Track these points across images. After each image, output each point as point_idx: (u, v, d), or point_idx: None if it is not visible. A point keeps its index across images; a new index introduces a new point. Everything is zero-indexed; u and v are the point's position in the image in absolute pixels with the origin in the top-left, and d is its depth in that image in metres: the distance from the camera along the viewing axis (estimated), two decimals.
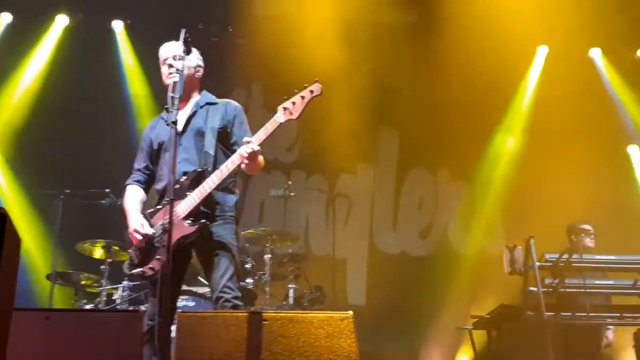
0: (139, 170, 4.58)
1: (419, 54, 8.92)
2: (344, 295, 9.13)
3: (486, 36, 8.40)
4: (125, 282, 6.73)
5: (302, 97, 4.15)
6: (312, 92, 4.17)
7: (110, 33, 8.99)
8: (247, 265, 6.83)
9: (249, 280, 6.78)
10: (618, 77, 9.43)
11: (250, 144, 4.10)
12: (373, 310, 8.91)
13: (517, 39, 8.82)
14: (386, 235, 9.56)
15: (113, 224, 7.40)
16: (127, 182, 4.56)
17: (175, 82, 4.08)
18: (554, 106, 9.27)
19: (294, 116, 4.14)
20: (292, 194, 7.52)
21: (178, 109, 3.95)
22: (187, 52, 4.05)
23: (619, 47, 9.36)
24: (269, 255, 7.00)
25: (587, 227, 7.37)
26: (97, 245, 6.89)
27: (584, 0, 8.27)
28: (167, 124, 4.18)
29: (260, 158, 4.29)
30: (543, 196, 9.13)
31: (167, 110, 3.89)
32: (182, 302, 6.23)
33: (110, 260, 6.83)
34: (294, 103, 4.15)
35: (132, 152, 7.57)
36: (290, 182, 7.74)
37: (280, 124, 4.16)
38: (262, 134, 4.17)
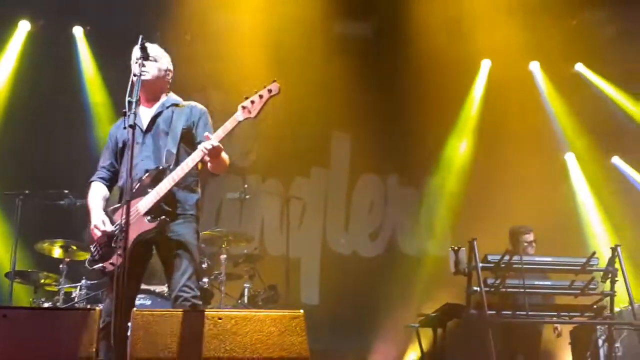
0: (103, 167, 4.51)
1: (372, 64, 9.03)
2: (298, 294, 9.12)
3: (435, 49, 8.54)
4: (83, 281, 6.67)
5: (261, 97, 4.15)
6: (270, 91, 4.17)
7: (71, 39, 8.86)
8: (204, 265, 6.80)
9: (205, 279, 6.75)
10: (554, 90, 9.64)
11: (211, 140, 4.08)
12: (326, 308, 8.94)
13: (463, 53, 9.00)
14: (338, 237, 9.62)
15: (72, 224, 7.38)
16: (92, 179, 4.50)
17: (147, 80, 4.15)
18: (500, 116, 9.47)
19: (252, 115, 4.14)
20: (247, 197, 7.53)
21: (135, 113, 3.87)
22: (145, 57, 4.04)
23: (558, 62, 9.56)
24: (225, 256, 7.00)
25: (527, 230, 7.51)
26: (56, 244, 6.82)
27: (525, 17, 8.47)
28: (124, 127, 4.16)
29: (225, 156, 4.26)
30: (488, 200, 9.29)
31: (124, 114, 3.84)
32: (139, 300, 6.16)
33: (69, 259, 6.76)
34: (252, 102, 4.14)
35: (91, 156, 7.54)
36: (246, 186, 7.74)
37: (240, 122, 4.15)
38: (222, 132, 4.15)
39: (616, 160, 9.86)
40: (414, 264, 9.34)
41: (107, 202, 4.41)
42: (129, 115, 3.82)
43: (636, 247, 7.26)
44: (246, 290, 7.21)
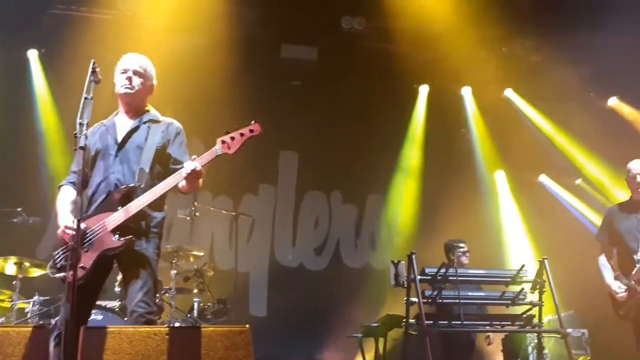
0: (74, 172, 4.25)
1: (317, 86, 9.06)
2: (247, 306, 9.05)
3: (376, 74, 8.62)
4: (36, 297, 6.47)
5: (242, 135, 4.03)
6: (252, 131, 4.07)
7: (26, 61, 8.64)
8: None
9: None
10: (485, 112, 9.81)
11: (195, 162, 3.93)
12: (273, 320, 8.88)
13: (402, 78, 9.12)
14: (286, 251, 9.56)
15: (25, 241, 7.17)
16: (62, 183, 4.31)
17: (130, 93, 4.11)
18: (438, 137, 9.63)
19: (231, 151, 4.00)
20: (197, 214, 7.44)
21: (120, 117, 3.92)
22: (96, 81, 3.83)
23: (489, 87, 9.75)
24: (175, 271, 6.88)
25: (462, 244, 7.60)
26: (9, 261, 6.59)
27: (459, 44, 8.63)
28: (108, 132, 4.18)
29: (200, 181, 4.11)
30: (427, 216, 9.42)
31: (75, 136, 3.63)
32: (92, 315, 6.01)
33: (22, 275, 6.57)
34: (232, 138, 4.01)
35: (42, 174, 7.31)
36: (196, 203, 7.63)
37: (217, 155, 4.01)
38: (200, 161, 3.97)
39: (543, 178, 10.08)
40: (357, 277, 9.37)
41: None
42: (78, 137, 3.66)
43: (561, 259, 7.38)
44: (196, 304, 7.10)
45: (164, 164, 4.19)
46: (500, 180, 10.03)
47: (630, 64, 8.40)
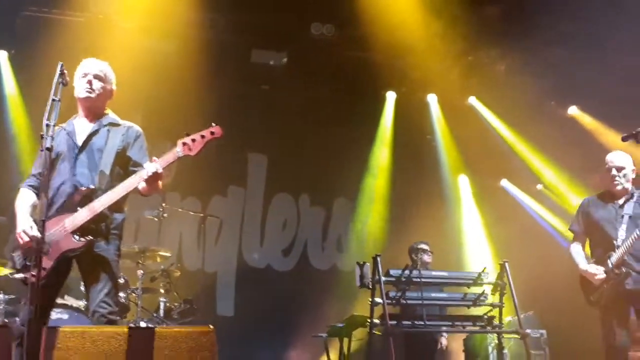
0: (34, 175, 4.26)
1: (286, 91, 9.03)
2: (214, 306, 8.97)
3: (344, 80, 8.62)
4: (0, 296, 6.30)
5: (203, 137, 4.01)
6: (212, 133, 4.05)
7: None
8: (121, 281, 6.57)
9: (122, 294, 6.49)
10: (450, 119, 9.87)
11: (155, 163, 3.90)
12: (240, 320, 8.81)
13: (370, 85, 9.14)
14: (254, 252, 9.49)
15: None
16: (22, 185, 4.27)
17: (90, 97, 4.09)
18: (405, 142, 9.67)
19: (192, 153, 3.97)
20: (165, 215, 7.34)
21: (81, 121, 3.92)
22: (64, 83, 3.82)
23: (454, 94, 9.78)
24: (141, 271, 6.77)
25: (424, 246, 7.63)
26: None
27: (426, 52, 8.68)
28: (68, 135, 4.15)
29: (160, 182, 4.09)
30: (391, 218, 9.46)
31: (41, 136, 3.64)
32: (57, 314, 5.89)
33: None
34: (193, 140, 3.98)
35: (11, 175, 7.14)
36: (164, 204, 7.54)
37: (179, 157, 3.98)
38: (160, 164, 3.94)
39: (505, 183, 10.18)
40: (323, 278, 9.36)
41: (35, 209, 4.15)
42: (45, 138, 3.65)
43: (521, 262, 7.44)
44: (162, 304, 7.00)
45: (124, 167, 4.17)
46: (463, 185, 10.09)
47: (589, 76, 8.53)
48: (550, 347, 7.20)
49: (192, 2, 7.86)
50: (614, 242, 4.92)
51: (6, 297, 6.27)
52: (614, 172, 5.11)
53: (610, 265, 4.87)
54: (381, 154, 9.78)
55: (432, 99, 9.87)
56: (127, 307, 6.61)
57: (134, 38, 8.28)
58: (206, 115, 7.72)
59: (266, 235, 9.59)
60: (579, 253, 5.22)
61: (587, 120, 9.08)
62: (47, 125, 3.69)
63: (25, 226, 3.97)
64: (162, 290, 7.08)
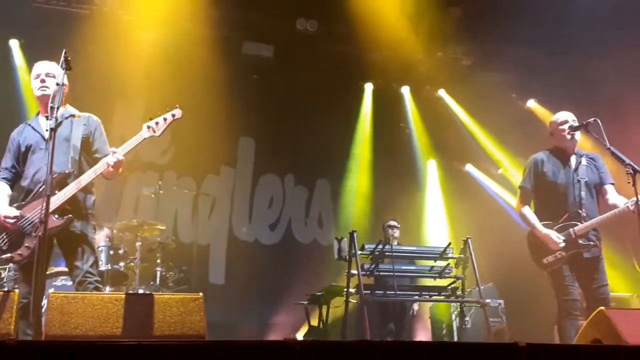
0: (6, 168, 4.30)
1: (273, 80, 8.94)
2: (206, 275, 8.90)
3: (326, 71, 8.54)
4: (12, 264, 6.24)
5: (165, 119, 4.12)
6: (174, 115, 4.15)
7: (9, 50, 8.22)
8: (120, 251, 6.55)
9: (121, 263, 6.49)
10: (422, 109, 9.84)
11: (117, 153, 4.00)
12: (231, 288, 8.77)
13: (350, 76, 9.08)
14: (243, 227, 9.43)
15: None
16: None
17: (47, 94, 4.09)
18: (380, 128, 9.65)
19: (157, 134, 4.10)
20: (161, 192, 7.28)
21: (41, 116, 4.01)
22: (67, 68, 3.83)
23: (425, 87, 9.80)
24: (140, 243, 6.72)
25: (394, 223, 7.64)
26: None
27: (399, 48, 8.65)
28: (34, 129, 4.21)
29: (120, 169, 4.15)
30: (367, 198, 9.46)
31: (47, 117, 3.70)
32: (62, 282, 5.87)
33: None
34: (157, 123, 4.10)
35: None
36: (160, 182, 7.48)
37: (145, 138, 4.10)
38: (128, 145, 4.08)
39: (469, 167, 10.21)
40: (305, 251, 9.34)
41: (10, 200, 4.21)
42: (50, 119, 3.67)
43: (482, 238, 7.48)
44: (158, 273, 6.97)
45: (88, 153, 4.23)
46: (432, 169, 10.12)
47: (547, 72, 8.55)
48: (507, 315, 7.26)
49: None
50: (579, 211, 4.71)
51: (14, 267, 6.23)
52: (564, 126, 4.84)
53: (572, 234, 4.68)
54: (359, 139, 9.73)
55: (405, 91, 9.83)
56: (126, 276, 6.58)
57: (136, 29, 8.18)
58: (202, 102, 7.77)
59: (254, 211, 9.54)
60: (533, 215, 4.91)
61: (543, 113, 9.11)
62: (52, 108, 3.71)
63: (7, 212, 4.03)
64: (158, 261, 7.04)
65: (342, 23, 8.34)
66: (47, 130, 4.05)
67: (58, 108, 3.69)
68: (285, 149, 9.21)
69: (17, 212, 4.00)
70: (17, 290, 3.79)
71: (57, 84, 3.82)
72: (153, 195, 7.26)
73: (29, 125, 4.28)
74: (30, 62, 8.12)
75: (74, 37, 7.47)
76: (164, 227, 7.11)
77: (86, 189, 4.12)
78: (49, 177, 3.63)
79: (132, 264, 6.64)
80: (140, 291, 6.44)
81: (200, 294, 3.25)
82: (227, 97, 8.29)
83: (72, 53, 3.86)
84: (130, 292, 6.37)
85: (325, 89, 8.69)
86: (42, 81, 4.16)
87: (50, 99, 3.87)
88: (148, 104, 8.40)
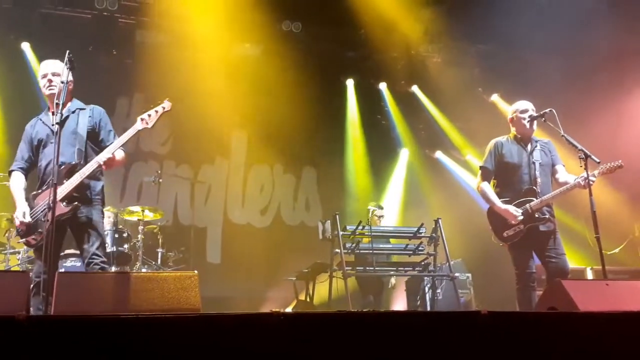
0: (22, 159, 4.25)
1: (262, 77, 8.86)
2: (204, 255, 8.87)
3: (310, 69, 8.49)
4: (25, 247, 6.20)
5: (156, 112, 4.09)
6: (164, 107, 4.11)
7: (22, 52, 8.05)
8: (124, 234, 6.50)
9: (125, 245, 6.44)
10: (397, 104, 9.85)
11: (102, 155, 3.99)
12: (226, 266, 8.75)
13: (332, 73, 9.05)
14: (236, 211, 9.40)
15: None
16: (12, 168, 4.25)
17: (54, 93, 4.03)
18: (362, 121, 9.66)
19: (149, 125, 4.07)
20: (160, 180, 7.23)
21: (51, 112, 3.97)
22: (72, 68, 3.86)
23: (400, 83, 9.75)
24: (142, 227, 6.69)
25: (376, 206, 7.63)
26: (2, 219, 6.34)
27: (376, 47, 8.63)
28: (45, 124, 4.16)
29: (119, 158, 4.14)
30: (349, 184, 9.48)
31: (52, 113, 3.70)
32: (71, 262, 5.83)
33: (13, 229, 6.27)
34: (149, 115, 4.08)
35: None
36: (158, 171, 7.43)
37: (139, 130, 4.07)
38: (125, 137, 4.07)
39: (439, 154, 10.26)
40: (293, 233, 9.31)
41: (26, 190, 4.20)
42: (56, 115, 3.72)
43: (452, 218, 7.53)
44: (159, 253, 6.94)
45: (95, 142, 4.20)
46: (405, 156, 10.14)
47: (509, 69, 8.57)
48: (474, 288, 7.32)
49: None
50: (534, 188, 4.70)
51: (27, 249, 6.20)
52: (524, 114, 4.82)
53: (529, 208, 4.66)
54: (341, 130, 9.71)
55: (382, 86, 9.81)
56: (130, 257, 6.54)
57: (136, 31, 8.12)
58: (198, 97, 7.70)
59: (246, 198, 9.50)
60: (492, 192, 4.86)
61: (505, 106, 9.14)
62: (57, 104, 3.76)
63: (19, 214, 4.04)
64: (159, 242, 7.01)
65: (323, 24, 8.32)
66: (53, 125, 4.05)
67: (64, 104, 3.70)
68: (275, 140, 9.14)
69: (28, 219, 4.01)
70: (29, 271, 3.80)
71: (62, 82, 3.80)
72: (154, 183, 7.20)
73: (40, 119, 4.24)
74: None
75: (80, 38, 7.42)
76: (166, 212, 7.07)
77: (93, 177, 4.08)
78: (55, 167, 3.68)
79: (135, 245, 6.60)
80: (143, 270, 6.40)
81: (195, 271, 3.24)
82: (220, 94, 8.23)
83: (73, 54, 3.85)
84: (133, 271, 6.34)
85: (311, 84, 8.60)
86: (50, 81, 4.11)
87: (56, 96, 3.86)
88: (147, 99, 8.32)
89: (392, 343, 2.51)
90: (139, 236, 6.60)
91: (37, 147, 4.19)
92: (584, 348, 2.70)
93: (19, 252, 6.29)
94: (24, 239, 4.05)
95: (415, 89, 9.78)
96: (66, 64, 3.82)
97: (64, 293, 3.24)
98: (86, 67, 4.49)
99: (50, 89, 4.09)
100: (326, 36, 8.53)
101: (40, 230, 3.87)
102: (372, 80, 9.69)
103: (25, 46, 8.08)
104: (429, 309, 6.59)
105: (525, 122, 4.84)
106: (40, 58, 7.97)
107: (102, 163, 3.94)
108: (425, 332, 2.57)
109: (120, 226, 6.53)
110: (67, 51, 3.81)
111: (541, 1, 7.54)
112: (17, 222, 4.04)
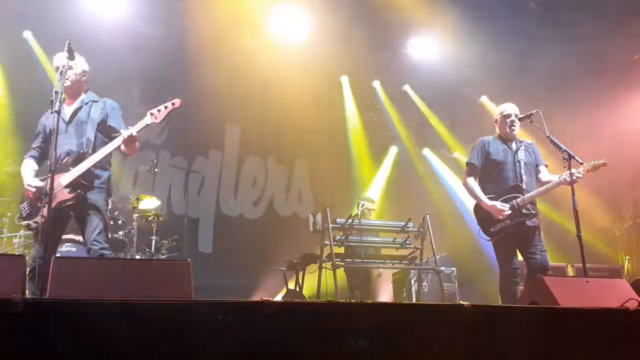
0: (34, 148, 4.34)
1: (255, 73, 8.83)
2: (196, 245, 8.86)
3: (300, 64, 8.46)
4: (22, 231, 6.22)
5: (166, 107, 4.13)
6: (173, 104, 4.16)
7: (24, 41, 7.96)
8: (119, 222, 6.47)
9: (120, 232, 6.42)
10: (389, 101, 9.84)
11: (131, 129, 4.04)
12: (218, 256, 8.73)
13: (324, 69, 9.01)
14: (229, 202, 9.39)
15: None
16: (25, 156, 4.33)
17: (68, 85, 4.05)
18: (354, 118, 9.63)
19: (158, 120, 4.12)
20: (156, 170, 7.20)
21: (65, 104, 4.03)
22: (71, 58, 3.93)
23: (391, 82, 9.80)
24: (137, 214, 6.66)
25: (367, 200, 7.64)
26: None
27: (367, 46, 8.63)
28: (52, 112, 4.05)
29: (137, 144, 4.19)
30: (340, 177, 9.48)
31: (51, 102, 3.74)
32: (67, 247, 5.81)
33: (10, 214, 6.39)
34: (159, 110, 4.11)
35: None
36: (154, 161, 7.40)
37: (147, 124, 4.12)
38: (135, 129, 4.08)
39: (426, 151, 10.29)
40: (285, 224, 9.32)
41: (37, 174, 4.24)
42: (55, 103, 3.73)
43: (438, 214, 7.56)
44: (153, 241, 6.91)
45: (106, 134, 4.23)
46: (394, 153, 10.16)
47: (498, 72, 8.59)
48: (458, 281, 7.35)
49: None
50: (520, 185, 4.72)
51: (26, 232, 6.18)
52: (512, 117, 4.88)
53: (515, 204, 4.68)
54: (334, 124, 9.69)
55: (376, 85, 9.81)
56: (125, 243, 6.51)
57: (132, 24, 7.98)
58: (193, 91, 7.66)
59: (239, 189, 9.48)
60: (478, 187, 4.89)
61: (492, 107, 9.18)
62: (56, 92, 3.79)
63: (31, 181, 4.10)
64: (153, 230, 6.98)
65: None
66: (69, 116, 4.18)
67: (61, 93, 3.71)
68: (267, 133, 9.12)
69: (39, 183, 4.05)
70: (26, 256, 3.78)
71: (61, 71, 3.86)
72: (149, 172, 7.17)
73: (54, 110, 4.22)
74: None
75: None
76: (159, 202, 7.05)
77: (101, 166, 4.13)
78: (53, 154, 3.70)
79: (130, 233, 6.58)
80: (137, 257, 6.38)
81: (189, 259, 3.22)
82: (214, 88, 8.18)
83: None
84: (127, 257, 6.32)
85: (305, 81, 8.60)
86: (61, 73, 4.08)
87: (56, 83, 3.86)
88: (143, 93, 8.27)
89: (378, 333, 2.52)
90: (134, 224, 6.57)
91: (48, 136, 4.22)
92: (564, 341, 2.73)
93: (16, 237, 6.26)
94: (25, 222, 4.07)
95: (407, 88, 9.79)
96: (65, 53, 3.87)
97: (59, 277, 3.22)
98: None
99: (64, 82, 4.06)
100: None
101: (42, 214, 3.89)
102: (366, 78, 9.68)
103: (27, 34, 7.99)
104: (414, 301, 6.61)
105: (506, 126, 4.93)
106: (44, 44, 8.00)
107: (126, 137, 3.97)
108: (410, 323, 2.59)
109: (116, 214, 6.49)
110: (67, 41, 3.86)
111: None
112: (31, 190, 4.06)
